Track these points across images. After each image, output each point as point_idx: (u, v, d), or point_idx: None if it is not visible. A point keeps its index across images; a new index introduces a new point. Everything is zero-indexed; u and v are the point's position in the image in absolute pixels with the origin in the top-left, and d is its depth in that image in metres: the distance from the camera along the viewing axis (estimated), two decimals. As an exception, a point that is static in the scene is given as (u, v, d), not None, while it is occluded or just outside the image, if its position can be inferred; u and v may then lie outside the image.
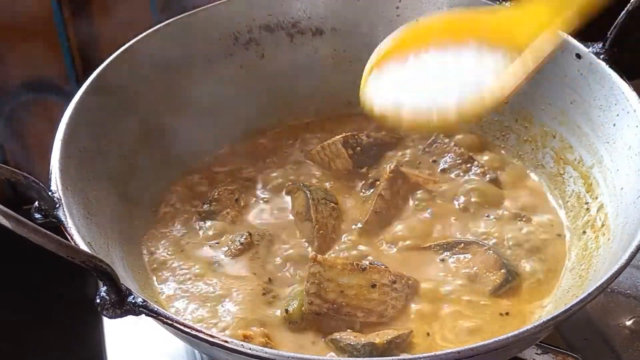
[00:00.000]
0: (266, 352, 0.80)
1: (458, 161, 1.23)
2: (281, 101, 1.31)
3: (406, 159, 1.25)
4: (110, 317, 0.82)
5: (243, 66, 1.28)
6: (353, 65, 1.32)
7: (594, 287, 0.85)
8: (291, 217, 1.16)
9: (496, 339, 0.80)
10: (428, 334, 0.99)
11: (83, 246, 0.88)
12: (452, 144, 1.25)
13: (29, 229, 0.74)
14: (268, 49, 1.29)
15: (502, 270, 1.05)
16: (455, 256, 1.09)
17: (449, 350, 0.79)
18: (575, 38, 1.15)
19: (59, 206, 0.92)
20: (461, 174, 1.22)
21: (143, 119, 1.17)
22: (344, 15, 1.30)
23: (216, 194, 1.19)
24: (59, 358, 1.70)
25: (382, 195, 1.16)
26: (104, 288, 0.82)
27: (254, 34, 1.28)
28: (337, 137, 1.24)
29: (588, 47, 1.12)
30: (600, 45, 1.11)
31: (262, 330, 0.99)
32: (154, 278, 1.07)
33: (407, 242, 1.12)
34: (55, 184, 0.95)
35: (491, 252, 1.08)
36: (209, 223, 1.15)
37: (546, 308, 1.03)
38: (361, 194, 1.20)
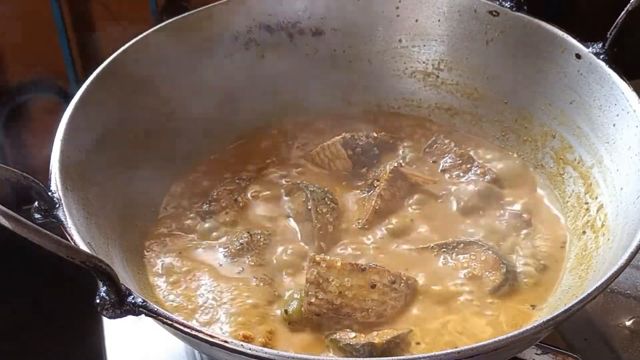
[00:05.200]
0: (266, 352, 0.80)
1: (458, 161, 1.23)
2: (281, 101, 1.31)
3: (406, 159, 1.25)
4: (110, 317, 0.82)
5: (243, 66, 1.28)
6: (353, 65, 1.32)
7: (594, 287, 0.85)
8: (291, 217, 1.16)
9: (496, 339, 0.80)
10: (427, 333, 0.99)
11: (83, 246, 0.88)
12: (453, 144, 1.25)
13: (29, 229, 0.73)
14: (268, 49, 1.29)
15: (502, 271, 1.05)
16: (455, 256, 1.09)
17: (449, 350, 0.79)
18: (575, 38, 1.15)
19: (59, 206, 0.92)
20: (461, 174, 1.22)
21: (143, 118, 1.17)
22: (344, 15, 1.30)
23: (216, 194, 1.19)
24: (59, 358, 1.70)
25: (382, 195, 1.16)
26: (104, 288, 0.82)
27: (254, 34, 1.28)
28: (337, 137, 1.24)
29: (588, 47, 1.12)
30: (600, 45, 1.11)
31: (262, 331, 0.99)
32: (154, 278, 1.07)
33: (407, 242, 1.12)
34: (55, 184, 0.95)
35: (491, 252, 1.08)
36: (208, 223, 1.15)
37: (546, 308, 1.03)
38: (361, 194, 1.20)
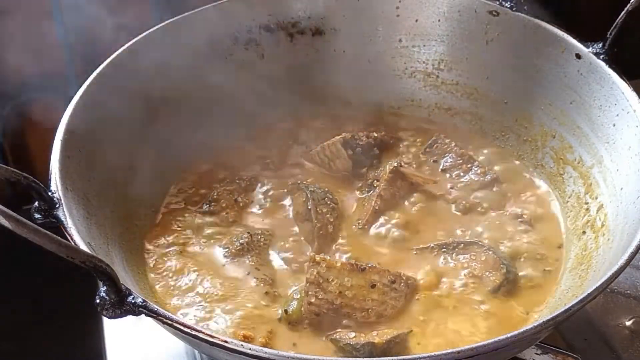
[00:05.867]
0: (266, 352, 0.80)
1: (458, 161, 1.23)
2: (281, 101, 1.31)
3: (406, 159, 1.25)
4: (110, 317, 0.82)
5: (243, 66, 1.28)
6: (353, 65, 1.32)
7: (594, 288, 0.85)
8: (291, 217, 1.16)
9: (496, 339, 0.80)
10: (427, 333, 0.99)
11: (83, 246, 0.88)
12: (453, 144, 1.25)
13: (29, 229, 0.74)
14: (268, 49, 1.29)
15: (502, 271, 1.05)
16: (455, 256, 1.09)
17: (449, 350, 0.79)
18: (575, 38, 1.15)
19: (59, 206, 0.92)
20: (461, 174, 1.22)
21: (143, 119, 1.17)
22: (344, 15, 1.30)
23: (216, 194, 1.19)
24: (59, 358, 1.70)
25: (382, 195, 1.16)
26: (104, 288, 0.82)
27: (254, 34, 1.28)
28: (337, 137, 1.24)
29: (588, 47, 1.13)
30: (600, 45, 1.11)
31: (262, 331, 0.99)
32: (154, 278, 1.07)
33: (407, 242, 1.12)
34: (55, 184, 0.95)
35: (491, 252, 1.08)
36: (208, 223, 1.15)
37: (545, 309, 1.03)
38: (361, 194, 1.20)
